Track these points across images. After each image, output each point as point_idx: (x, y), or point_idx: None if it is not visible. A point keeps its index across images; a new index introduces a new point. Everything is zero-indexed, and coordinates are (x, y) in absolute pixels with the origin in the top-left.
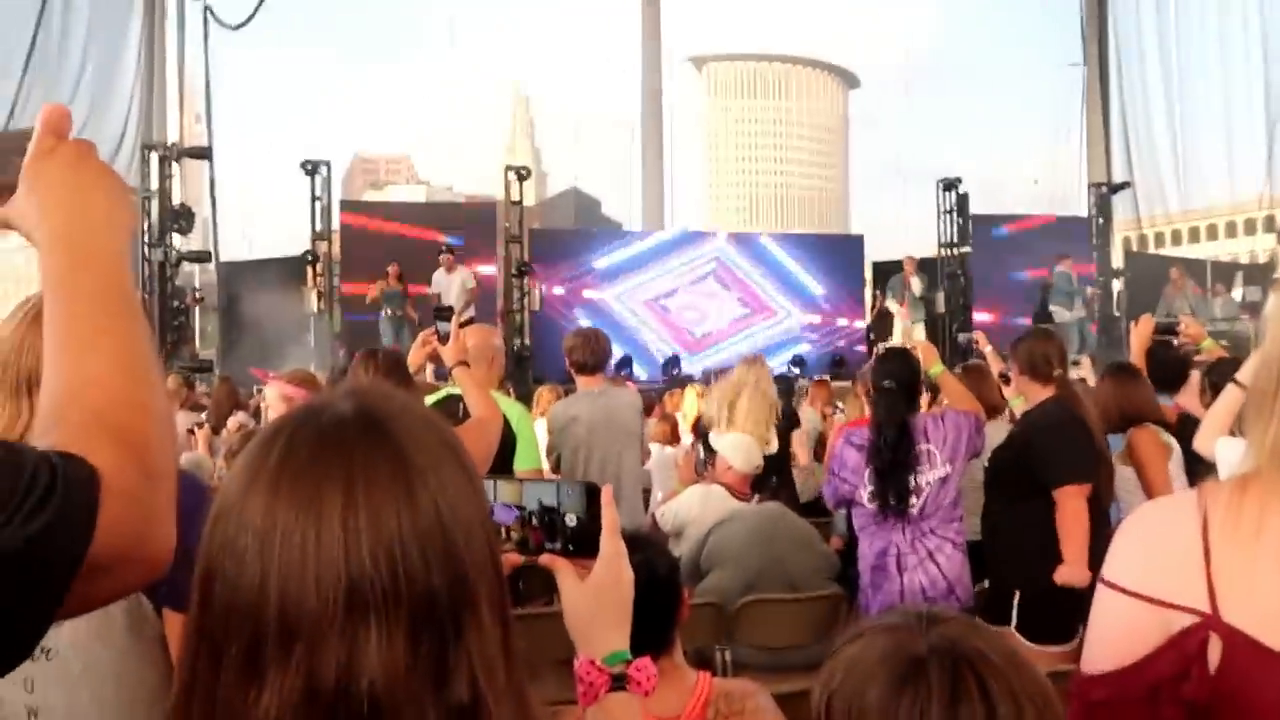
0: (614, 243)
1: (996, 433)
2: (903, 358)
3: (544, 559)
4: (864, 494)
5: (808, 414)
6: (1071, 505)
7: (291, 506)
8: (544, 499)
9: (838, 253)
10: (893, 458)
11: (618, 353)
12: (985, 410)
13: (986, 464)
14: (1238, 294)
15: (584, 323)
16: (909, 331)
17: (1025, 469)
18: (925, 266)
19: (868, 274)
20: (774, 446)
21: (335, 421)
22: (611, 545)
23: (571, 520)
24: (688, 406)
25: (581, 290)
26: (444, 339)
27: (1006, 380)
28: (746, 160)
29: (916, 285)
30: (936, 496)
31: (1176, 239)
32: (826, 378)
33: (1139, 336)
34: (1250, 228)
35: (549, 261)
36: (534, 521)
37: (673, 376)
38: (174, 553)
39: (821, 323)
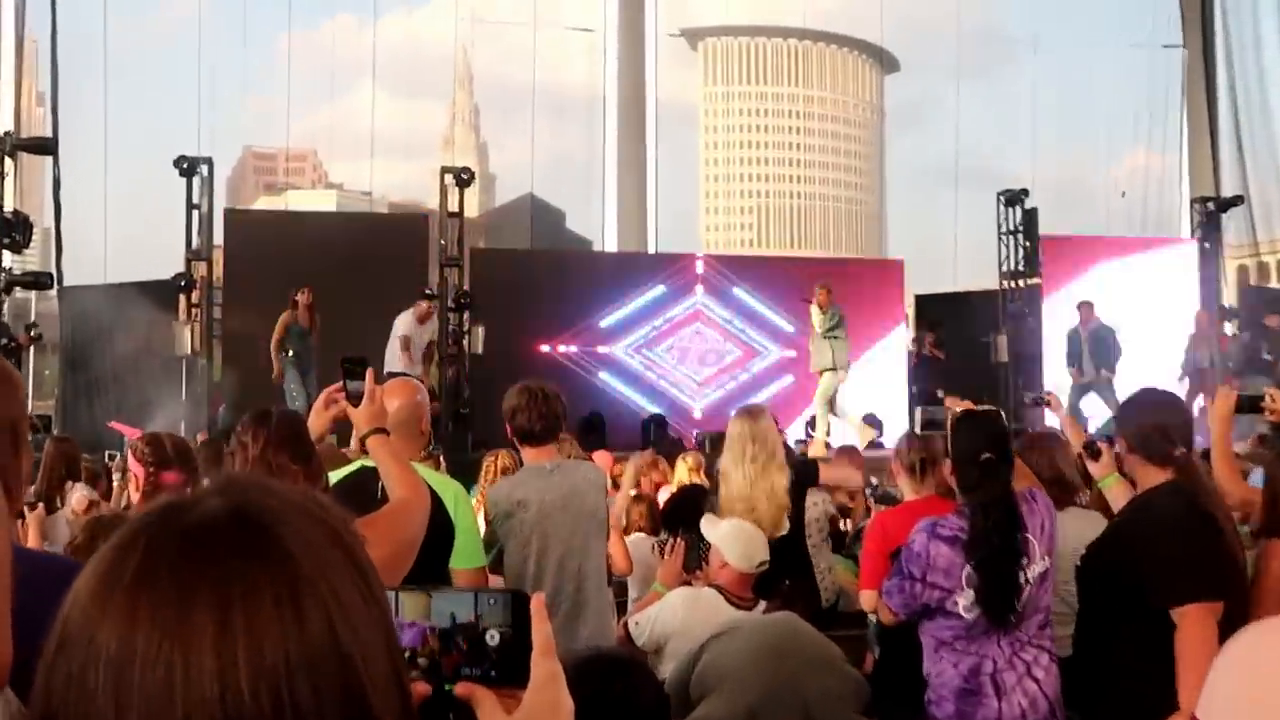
0: (581, 267)
1: (1078, 524)
2: (996, 422)
3: (460, 688)
4: (961, 600)
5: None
6: (1196, 630)
7: (153, 631)
8: (459, 613)
9: (871, 282)
10: (1002, 550)
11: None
12: (1057, 491)
13: (1078, 562)
14: None
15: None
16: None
17: (1133, 576)
18: (980, 302)
19: (909, 308)
20: (784, 529)
21: (205, 524)
22: (545, 669)
23: (494, 638)
24: (677, 482)
25: (539, 339)
26: (355, 399)
27: (1094, 453)
28: (754, 163)
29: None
30: (1036, 597)
31: None
32: (855, 446)
33: (1218, 416)
34: None
35: (497, 290)
36: (447, 642)
37: (659, 441)
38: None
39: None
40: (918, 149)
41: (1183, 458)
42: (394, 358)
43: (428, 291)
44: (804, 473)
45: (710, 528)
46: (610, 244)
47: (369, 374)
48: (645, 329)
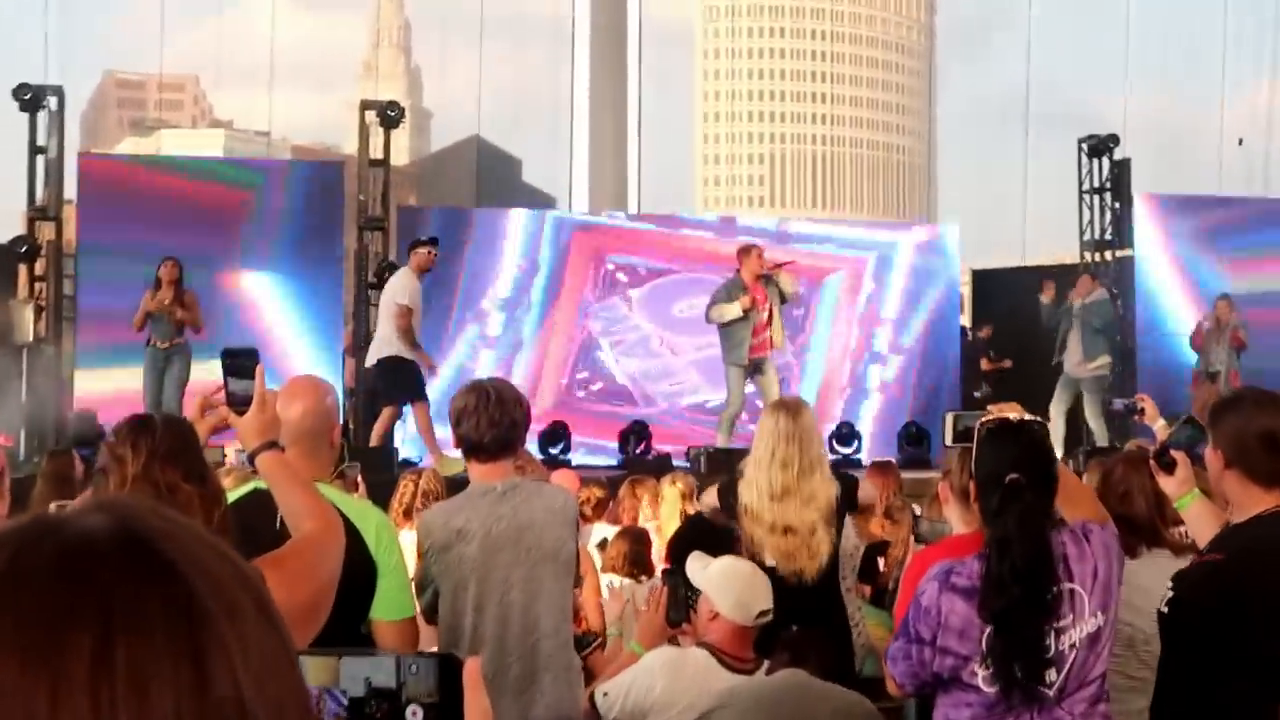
0: (540, 229)
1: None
2: (1030, 435)
3: None
4: (980, 670)
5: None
6: None
7: (14, 660)
8: (376, 679)
9: (914, 255)
10: (1025, 602)
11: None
12: (1148, 528)
13: (1162, 609)
14: None
15: (486, 371)
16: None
17: (1237, 630)
18: (1055, 281)
19: (964, 288)
20: (822, 559)
21: (82, 540)
22: None
23: (418, 714)
24: (667, 508)
25: (477, 310)
26: (239, 404)
27: (1167, 465)
28: (766, 99)
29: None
30: (1084, 666)
31: None
32: (891, 460)
33: None
34: None
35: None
36: (358, 713)
37: (637, 459)
38: None
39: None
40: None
41: None
42: (389, 341)
43: (422, 239)
44: (845, 490)
45: (697, 569)
46: (580, 203)
47: (258, 372)
48: (624, 311)
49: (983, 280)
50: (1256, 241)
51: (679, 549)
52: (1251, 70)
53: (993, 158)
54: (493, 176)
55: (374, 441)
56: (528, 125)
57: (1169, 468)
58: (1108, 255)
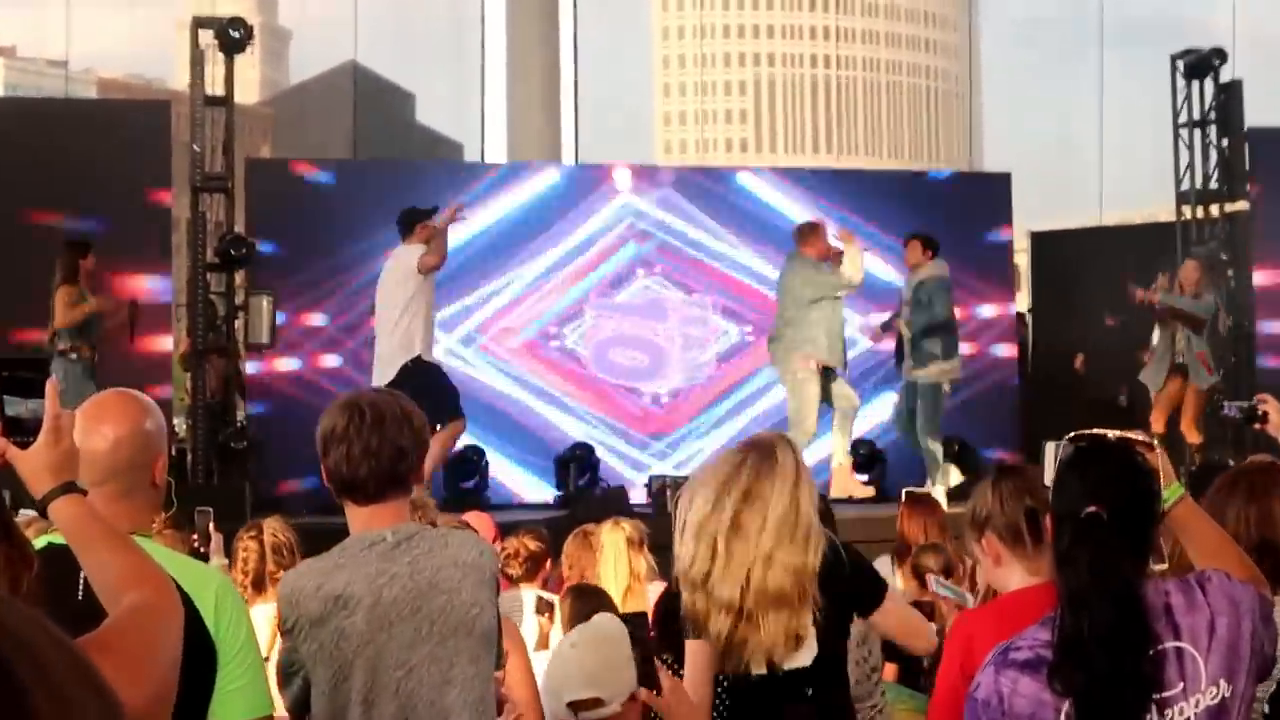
0: (446, 189)
1: None
2: (1126, 458)
3: None
4: None
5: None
6: None
7: None
8: None
9: (956, 211)
10: (1112, 666)
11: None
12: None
13: None
14: None
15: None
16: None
17: None
18: (1146, 245)
19: (1022, 257)
20: (807, 652)
21: None
22: None
23: None
24: (605, 568)
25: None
26: (23, 433)
27: (1255, 418)
28: (746, 7)
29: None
30: None
31: None
32: (929, 494)
33: None
34: None
35: (297, 230)
36: None
37: (581, 495)
38: None
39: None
40: None
41: None
42: (398, 344)
43: (424, 208)
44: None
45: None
46: (496, 151)
47: (50, 389)
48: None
49: (1044, 244)
50: None
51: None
52: None
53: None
54: (378, 115)
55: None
56: (422, 50)
57: (1259, 420)
58: (1213, 210)
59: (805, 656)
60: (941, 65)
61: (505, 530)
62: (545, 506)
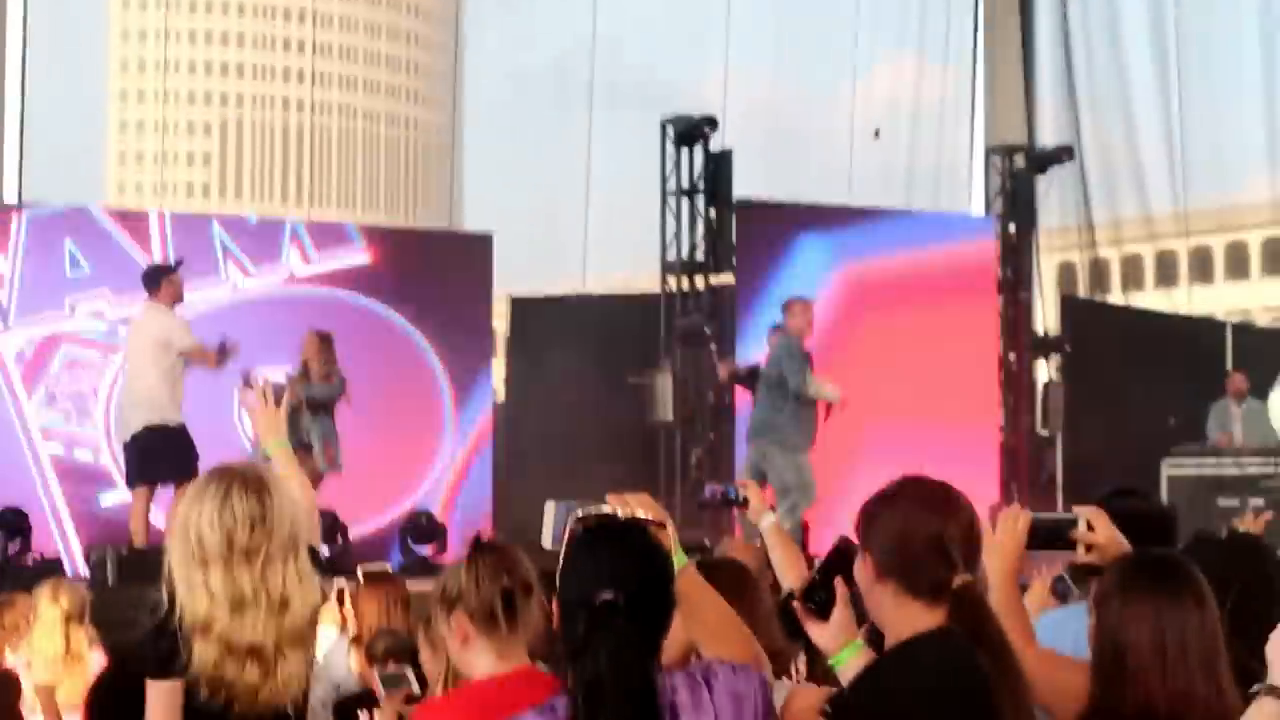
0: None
1: None
2: (635, 539)
3: None
4: None
5: None
6: None
7: None
8: None
9: (432, 272)
10: None
11: None
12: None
13: None
14: None
15: None
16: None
17: None
18: (627, 316)
19: (499, 321)
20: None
21: None
22: None
23: None
24: (38, 641)
25: None
26: None
27: (820, 604)
28: (213, 42)
29: None
30: None
31: (1166, 273)
32: (388, 569)
33: (1003, 552)
34: None
35: None
36: None
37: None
38: None
39: None
40: (519, 47)
41: (964, 590)
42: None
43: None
44: None
45: None
46: None
47: None
48: None
49: (523, 311)
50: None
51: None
52: (895, 36)
53: (543, 141)
54: None
55: (139, 540)
56: None
57: (823, 607)
58: (700, 281)
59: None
60: (423, 116)
61: None
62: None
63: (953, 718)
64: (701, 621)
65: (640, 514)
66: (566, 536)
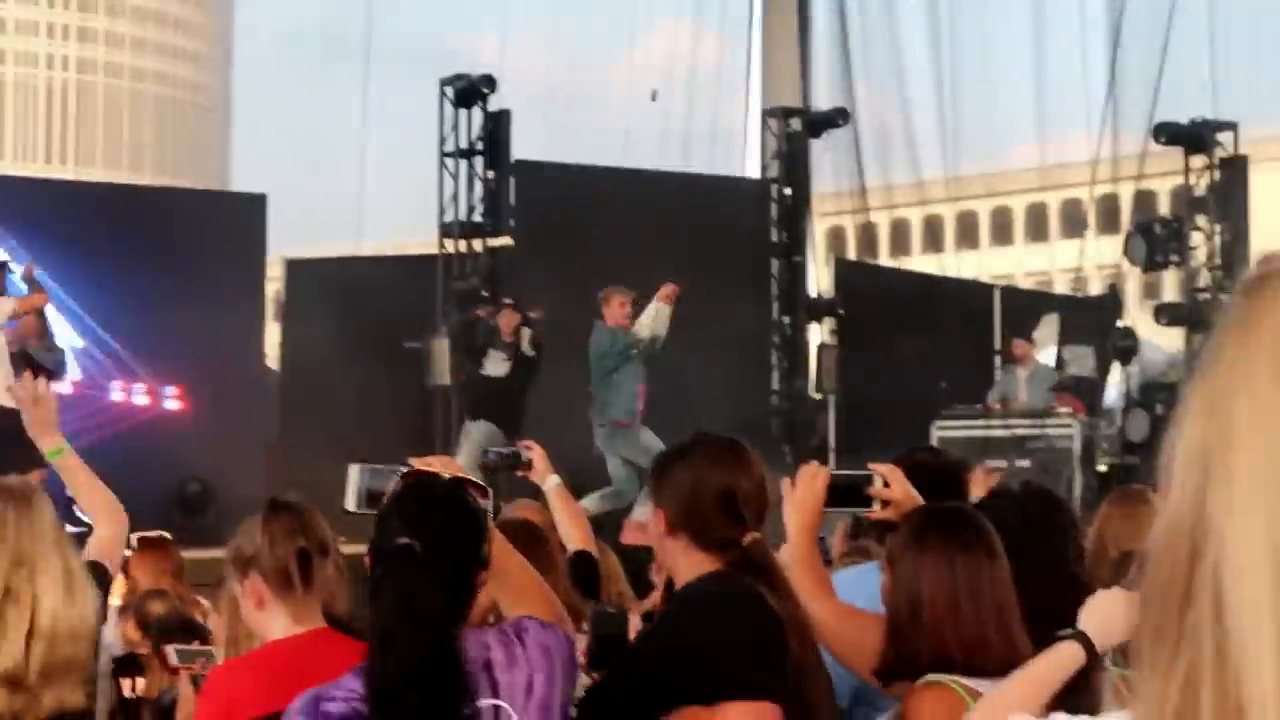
0: None
1: None
2: (449, 495)
3: None
4: None
5: None
6: None
7: None
8: None
9: (210, 227)
10: (426, 715)
11: None
12: None
13: None
14: (1049, 355)
15: None
16: None
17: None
18: (418, 273)
19: (273, 284)
20: None
21: None
22: None
23: None
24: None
25: None
26: None
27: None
28: None
29: None
30: None
31: (934, 238)
32: (165, 535)
33: (802, 507)
34: (1075, 222)
35: None
36: None
37: None
38: None
39: None
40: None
41: (753, 545)
42: None
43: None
44: None
45: None
46: None
47: None
48: None
49: (299, 272)
50: None
51: None
52: (671, 3)
53: (318, 101)
54: None
55: None
56: None
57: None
58: (476, 244)
59: None
60: (192, 76)
61: None
62: None
63: (741, 645)
64: (508, 581)
65: (465, 476)
66: (389, 493)
